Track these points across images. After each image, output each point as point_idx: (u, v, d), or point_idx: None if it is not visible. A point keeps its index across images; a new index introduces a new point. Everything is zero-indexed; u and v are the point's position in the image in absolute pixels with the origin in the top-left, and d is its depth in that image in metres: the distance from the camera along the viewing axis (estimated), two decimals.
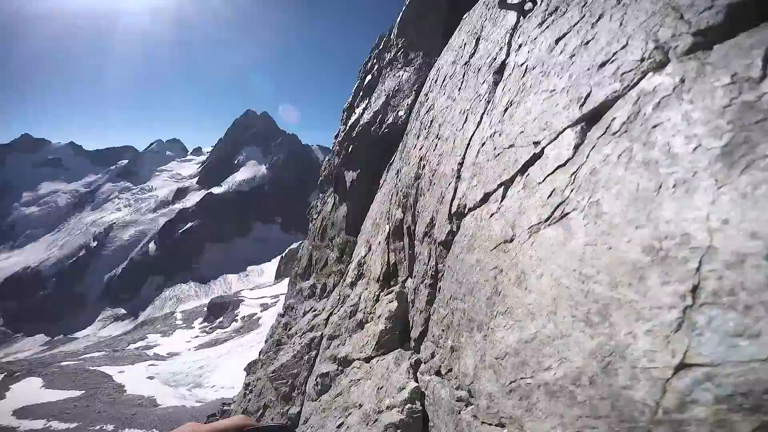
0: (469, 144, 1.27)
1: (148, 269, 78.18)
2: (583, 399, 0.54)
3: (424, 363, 1.38)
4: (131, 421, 18.37)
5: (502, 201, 0.92)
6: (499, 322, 0.79)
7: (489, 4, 2.30)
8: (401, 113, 4.46)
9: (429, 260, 1.53)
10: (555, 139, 0.77)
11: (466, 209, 1.19)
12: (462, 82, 1.84)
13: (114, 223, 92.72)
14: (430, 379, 1.24)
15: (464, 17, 3.53)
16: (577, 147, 0.72)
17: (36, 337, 63.30)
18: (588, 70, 0.76)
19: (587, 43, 0.84)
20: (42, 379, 25.50)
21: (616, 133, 0.64)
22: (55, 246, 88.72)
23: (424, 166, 1.95)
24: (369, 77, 6.30)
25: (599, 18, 0.87)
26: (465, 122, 1.46)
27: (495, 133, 1.05)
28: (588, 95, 0.73)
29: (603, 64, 0.72)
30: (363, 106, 5.70)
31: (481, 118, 1.26)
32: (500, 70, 1.33)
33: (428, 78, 3.91)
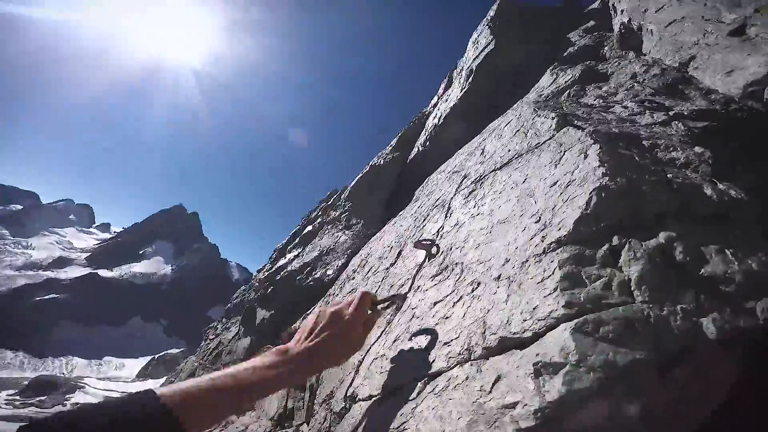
0: (368, 351, 1.72)
1: None
2: None
3: None
4: None
5: (379, 406, 1.30)
6: None
7: (416, 219, 2.97)
8: (330, 272, 4.91)
9: (324, 421, 1.75)
10: (410, 382, 1.21)
11: (357, 398, 1.56)
12: (379, 288, 2.38)
13: None
14: None
15: (398, 214, 4.28)
16: (419, 393, 1.10)
17: None
18: (440, 342, 1.22)
19: (447, 318, 1.32)
20: None
21: (436, 394, 1.02)
22: None
23: None
24: (309, 227, 6.88)
25: (458, 300, 1.34)
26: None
27: (384, 356, 1.50)
28: (433, 361, 1.16)
29: (446, 343, 1.17)
30: (295, 253, 6.14)
31: (380, 336, 1.73)
32: (403, 299, 1.86)
33: (360, 252, 4.48)
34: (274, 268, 6.16)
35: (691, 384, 0.86)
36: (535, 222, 1.39)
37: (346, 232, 5.79)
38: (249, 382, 0.92)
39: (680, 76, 2.47)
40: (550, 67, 3.97)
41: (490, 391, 0.93)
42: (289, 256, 6.22)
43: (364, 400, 1.50)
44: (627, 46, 3.34)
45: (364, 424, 1.35)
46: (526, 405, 0.84)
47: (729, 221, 1.22)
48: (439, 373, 1.15)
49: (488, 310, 1.18)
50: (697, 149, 1.64)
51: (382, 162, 6.66)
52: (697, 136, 1.81)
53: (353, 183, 6.92)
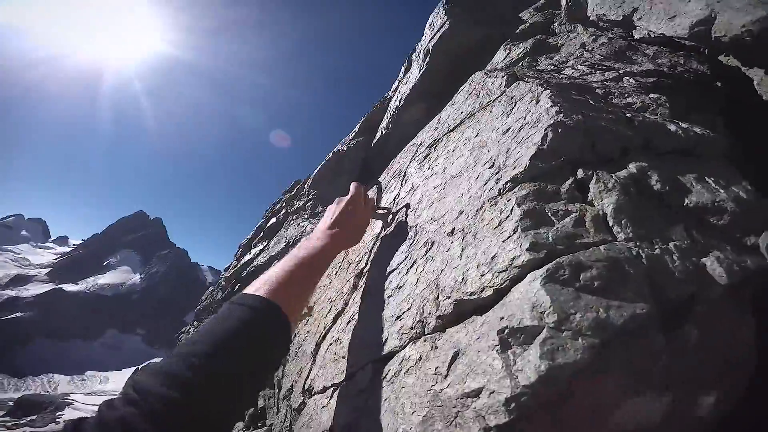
0: (324, 337, 1.51)
1: None
2: None
3: None
4: None
5: (330, 399, 1.12)
6: None
7: (375, 198, 2.81)
8: None
9: (285, 420, 1.67)
10: (362, 367, 0.99)
11: (313, 392, 1.36)
12: (338, 267, 2.16)
13: None
14: None
15: None
16: (371, 380, 0.91)
17: None
18: (391, 316, 1.00)
19: (400, 288, 1.12)
20: None
21: (389, 381, 0.83)
22: None
23: (294, 335, 2.15)
24: (274, 219, 6.62)
25: (411, 265, 1.15)
26: (328, 312, 1.72)
27: (338, 339, 1.28)
28: (385, 341, 0.95)
29: (398, 317, 0.97)
30: (261, 247, 5.88)
31: (335, 318, 1.53)
32: (359, 275, 1.65)
33: None
34: (239, 264, 5.89)
35: (708, 345, 0.67)
36: (489, 168, 1.19)
37: (312, 220, 5.57)
38: (310, 263, 1.13)
39: (627, 43, 2.47)
40: (503, 44, 3.95)
41: (447, 375, 0.72)
42: (254, 250, 5.94)
43: (319, 392, 1.30)
44: (575, 19, 3.35)
45: (317, 421, 1.15)
46: (492, 392, 0.61)
47: (697, 156, 1.08)
48: (391, 355, 0.93)
49: (441, 271, 0.97)
50: (653, 95, 1.56)
51: (345, 148, 6.43)
52: (650, 88, 1.73)
53: (316, 171, 6.68)
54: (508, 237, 0.81)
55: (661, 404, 0.64)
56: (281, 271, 1.04)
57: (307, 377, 1.48)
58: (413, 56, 6.48)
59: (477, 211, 1.02)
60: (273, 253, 5.34)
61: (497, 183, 1.03)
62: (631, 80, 1.84)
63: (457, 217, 1.11)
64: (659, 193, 0.90)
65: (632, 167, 0.96)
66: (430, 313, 0.88)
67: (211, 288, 7.55)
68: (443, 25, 5.11)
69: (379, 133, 6.08)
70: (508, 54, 3.49)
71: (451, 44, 5.00)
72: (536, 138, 1.06)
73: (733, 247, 0.78)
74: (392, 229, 1.64)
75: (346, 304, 1.55)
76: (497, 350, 0.65)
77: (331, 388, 1.17)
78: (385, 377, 0.89)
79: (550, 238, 0.77)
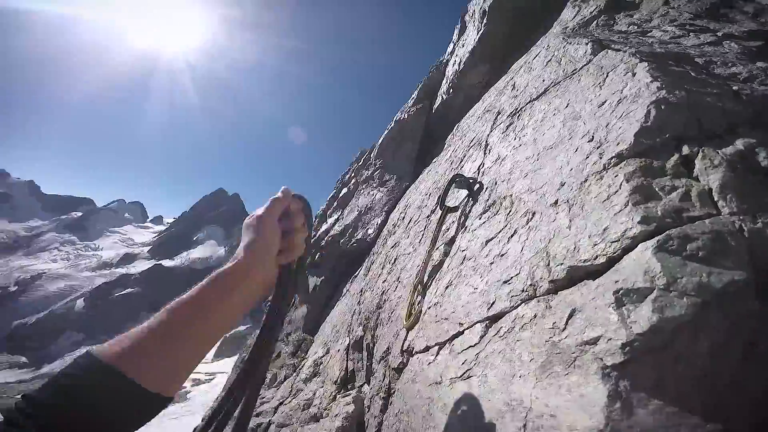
0: (424, 300, 1.66)
1: (68, 324, 71.16)
2: None
3: None
4: None
5: (436, 357, 1.25)
6: None
7: (452, 163, 2.85)
8: (370, 231, 4.91)
9: (384, 379, 1.74)
10: (470, 327, 1.12)
11: (413, 352, 1.49)
12: (422, 236, 2.28)
13: (44, 273, 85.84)
14: None
15: (436, 159, 4.15)
16: (481, 337, 1.04)
17: None
18: (497, 281, 1.13)
19: (502, 255, 1.26)
20: None
21: (501, 337, 0.96)
22: None
23: (385, 301, 2.31)
24: (345, 190, 6.86)
25: (513, 234, 1.27)
26: (417, 278, 1.85)
27: (437, 303, 1.41)
28: (493, 303, 1.08)
29: (506, 282, 1.10)
30: (335, 216, 6.16)
31: (427, 284, 1.67)
32: (450, 243, 1.77)
33: (398, 206, 4.42)
34: (317, 234, 6.22)
35: None
36: (588, 141, 1.24)
37: (381, 189, 5.72)
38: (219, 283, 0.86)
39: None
40: (571, 0, 3.62)
41: (564, 328, 0.83)
42: (330, 220, 6.25)
43: (421, 352, 1.45)
44: None
45: (424, 376, 1.29)
46: (610, 339, 0.73)
47: None
48: (501, 315, 1.06)
49: (549, 240, 1.07)
50: (760, 64, 1.44)
51: (406, 116, 6.46)
52: (756, 54, 1.59)
53: (380, 140, 6.79)
54: (620, 210, 0.89)
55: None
56: (155, 322, 0.76)
57: (405, 338, 1.63)
58: (467, 17, 6.24)
59: (581, 184, 1.09)
60: (347, 222, 5.61)
61: (601, 158, 1.09)
62: (732, 44, 1.71)
63: (558, 189, 1.19)
64: (767, 169, 0.91)
65: (739, 143, 0.97)
66: (541, 278, 0.99)
67: None
68: None
69: (439, 99, 6.03)
70: (578, 12, 3.26)
71: (510, 2, 4.75)
72: (639, 114, 1.09)
73: None
74: (482, 198, 1.73)
75: (438, 270, 1.68)
76: (613, 307, 0.76)
77: (435, 347, 1.31)
78: (497, 333, 1.02)
79: (659, 212, 0.84)
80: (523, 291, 1.03)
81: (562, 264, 0.95)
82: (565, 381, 0.77)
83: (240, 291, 0.87)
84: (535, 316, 0.93)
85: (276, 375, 5.19)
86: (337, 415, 2.44)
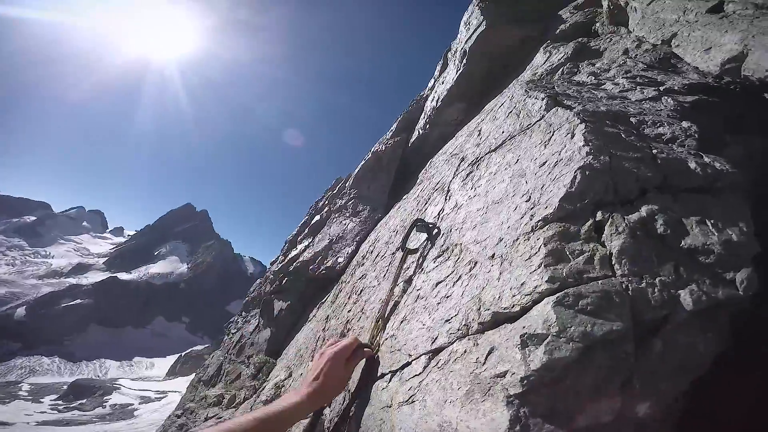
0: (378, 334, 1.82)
1: (4, 333, 66.43)
2: None
3: None
4: None
5: (389, 383, 1.39)
6: None
7: (419, 203, 3.03)
8: (340, 260, 5.00)
9: (343, 402, 1.76)
10: (417, 358, 1.28)
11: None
12: (387, 271, 2.47)
13: None
14: None
15: (406, 196, 4.34)
16: (425, 367, 1.21)
17: None
18: (441, 319, 1.29)
19: (447, 297, 1.43)
20: None
21: (440, 367, 1.13)
22: None
23: (348, 330, 2.44)
24: (318, 217, 6.95)
25: (458, 279, 1.45)
26: (379, 312, 2.02)
27: (393, 335, 1.55)
28: (436, 338, 1.26)
29: (447, 321, 1.27)
30: (306, 243, 6.22)
31: (388, 317, 1.84)
32: (408, 281, 1.95)
33: (368, 238, 4.58)
34: (286, 260, 6.25)
35: (669, 354, 0.92)
36: (525, 201, 1.45)
37: (354, 219, 5.85)
38: (276, 418, 1.15)
39: (671, 50, 2.44)
40: (543, 45, 3.94)
41: (485, 362, 1.03)
42: (300, 246, 6.32)
43: (377, 379, 1.61)
44: (617, 21, 3.32)
45: (378, 400, 1.42)
46: (513, 373, 0.94)
47: (714, 192, 1.25)
48: (441, 349, 1.24)
49: (482, 288, 1.27)
50: (684, 124, 1.65)
51: (383, 147, 6.67)
52: (686, 111, 1.80)
53: (357, 170, 6.95)
54: (535, 269, 1.11)
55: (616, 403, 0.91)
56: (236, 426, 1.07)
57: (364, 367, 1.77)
58: (449, 54, 6.61)
59: (514, 242, 1.31)
60: (318, 249, 5.68)
61: (531, 219, 1.31)
62: (669, 100, 1.91)
63: (497, 244, 1.40)
64: (662, 236, 1.12)
65: (644, 210, 1.18)
66: (473, 320, 1.19)
67: (258, 281, 7.97)
68: (479, 24, 5.17)
69: (416, 133, 6.30)
70: (548, 58, 3.55)
71: (489, 45, 5.04)
72: (567, 179, 1.31)
73: (711, 280, 1.02)
74: (438, 243, 1.92)
75: (396, 306, 1.85)
76: (518, 347, 0.97)
77: (389, 374, 1.46)
78: (436, 365, 1.21)
79: (564, 273, 1.06)
80: (458, 330, 1.22)
81: (489, 309, 1.15)
82: (482, 406, 0.96)
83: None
84: (465, 351, 1.12)
85: (234, 396, 5.12)
86: None
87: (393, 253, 2.65)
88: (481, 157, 2.34)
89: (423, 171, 4.56)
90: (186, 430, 5.02)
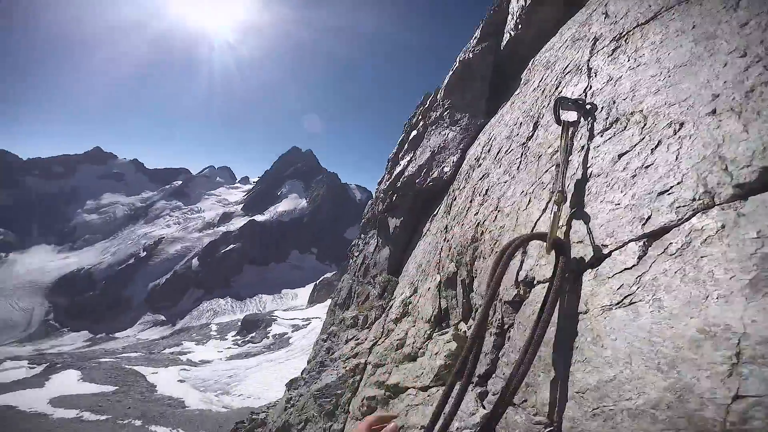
0: (534, 227, 1.50)
1: (189, 282, 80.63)
2: (663, 418, 0.75)
3: (492, 395, 1.53)
4: (159, 419, 18.68)
5: (572, 284, 1.14)
6: (577, 367, 1.00)
7: (545, 91, 2.54)
8: (446, 169, 4.71)
9: (494, 314, 1.63)
10: (620, 247, 1.01)
11: (534, 282, 1.38)
12: (520, 162, 2.09)
13: (163, 237, 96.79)
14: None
15: (516, 93, 3.77)
16: (640, 258, 0.94)
17: (80, 333, 65.50)
18: (649, 194, 0.99)
19: (647, 167, 1.07)
20: (80, 372, 26.25)
21: (672, 254, 0.86)
22: (108, 252, 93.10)
23: (482, 232, 2.18)
24: (414, 132, 6.62)
25: (657, 144, 1.10)
26: (528, 204, 1.68)
27: (561, 226, 1.28)
28: (649, 218, 0.96)
29: (662, 193, 0.95)
30: (408, 158, 5.99)
31: (546, 206, 1.49)
32: (565, 161, 1.55)
33: (477, 142, 4.16)
34: (392, 177, 6.13)
35: None
36: (740, 56, 1.03)
37: (453, 128, 5.40)
38: None
39: None
40: None
41: None
42: (403, 162, 6.10)
43: (543, 282, 1.31)
44: None
45: (558, 306, 1.13)
46: None
47: None
48: (665, 229, 0.88)
49: (719, 145, 0.86)
50: None
51: (471, 56, 5.91)
52: None
53: (446, 81, 6.35)
54: None
55: None
56: None
57: (519, 270, 1.48)
58: None
59: (747, 93, 0.92)
60: (421, 162, 5.42)
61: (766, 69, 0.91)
62: None
63: (712, 100, 1.02)
64: None
65: None
66: (719, 184, 0.82)
67: (370, 202, 8.08)
68: None
69: (507, 36, 5.40)
70: None
71: None
72: None
73: None
74: (600, 117, 1.49)
75: (552, 194, 1.49)
76: None
77: (568, 275, 1.16)
78: (664, 251, 0.86)
79: None
80: (694, 200, 0.85)
81: (749, 166, 0.76)
82: None
83: None
84: (723, 227, 0.75)
85: (367, 317, 5.36)
86: (437, 353, 2.36)
87: (523, 143, 2.24)
88: (630, 31, 1.84)
89: (526, 71, 3.89)
90: (332, 353, 5.45)
